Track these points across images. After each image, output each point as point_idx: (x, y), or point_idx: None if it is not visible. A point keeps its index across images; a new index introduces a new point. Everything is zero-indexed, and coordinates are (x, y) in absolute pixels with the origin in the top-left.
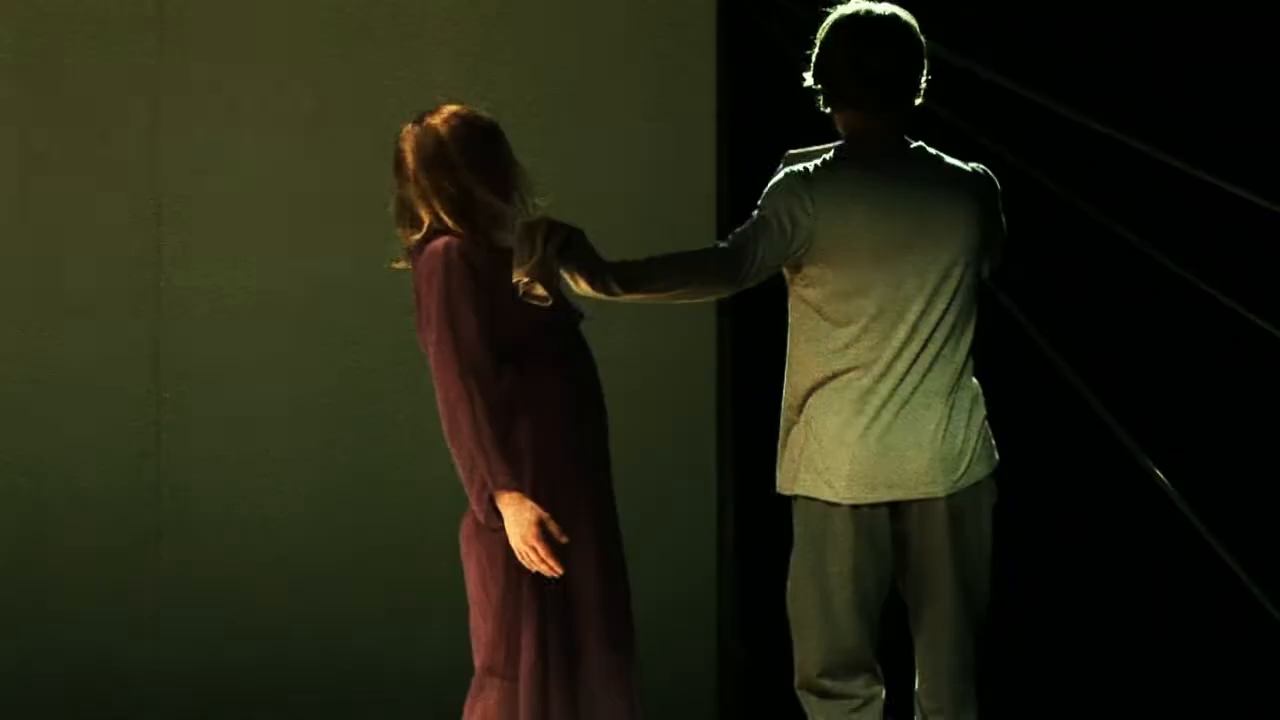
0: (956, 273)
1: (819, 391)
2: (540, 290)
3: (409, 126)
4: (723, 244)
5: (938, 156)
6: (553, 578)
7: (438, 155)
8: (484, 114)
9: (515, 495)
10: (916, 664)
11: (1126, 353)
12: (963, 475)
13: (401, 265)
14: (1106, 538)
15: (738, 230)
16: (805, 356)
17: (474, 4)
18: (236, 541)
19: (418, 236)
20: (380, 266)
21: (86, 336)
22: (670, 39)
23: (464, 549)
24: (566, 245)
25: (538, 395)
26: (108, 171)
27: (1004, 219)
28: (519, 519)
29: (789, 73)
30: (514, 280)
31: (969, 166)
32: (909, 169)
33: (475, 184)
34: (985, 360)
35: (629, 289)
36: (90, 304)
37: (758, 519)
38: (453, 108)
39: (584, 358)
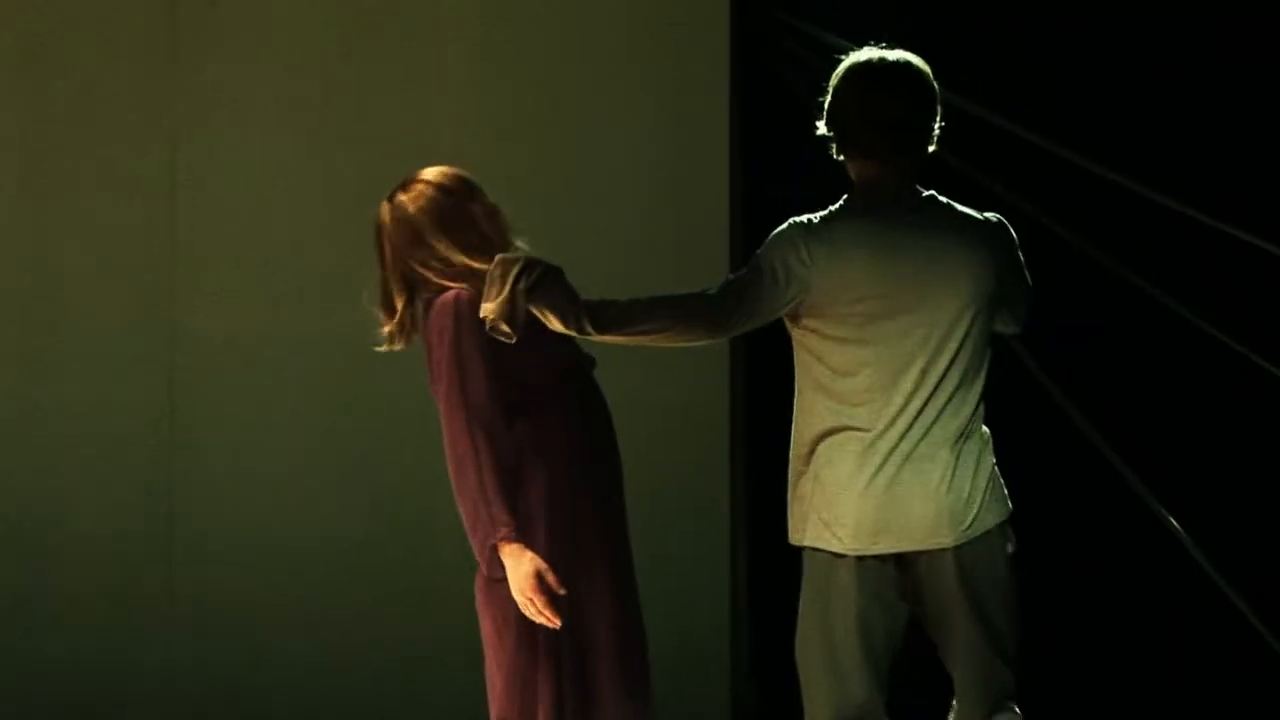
0: (965, 321)
1: (826, 442)
2: (505, 327)
3: (384, 204)
4: (711, 290)
5: (949, 205)
6: (567, 627)
7: (413, 237)
8: (453, 173)
9: (516, 547)
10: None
11: (1139, 399)
12: (971, 525)
13: (385, 349)
14: (1117, 582)
15: (732, 276)
16: (811, 406)
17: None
18: (249, 580)
19: (390, 327)
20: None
21: (98, 374)
22: (680, 43)
23: (479, 599)
24: (538, 284)
25: (551, 442)
26: (122, 192)
27: (1026, 272)
28: (518, 570)
29: (802, 115)
30: (480, 315)
31: (983, 215)
32: (919, 217)
33: (454, 251)
34: (995, 405)
35: (604, 330)
36: (101, 337)
37: (771, 563)
38: (424, 176)
39: (597, 402)
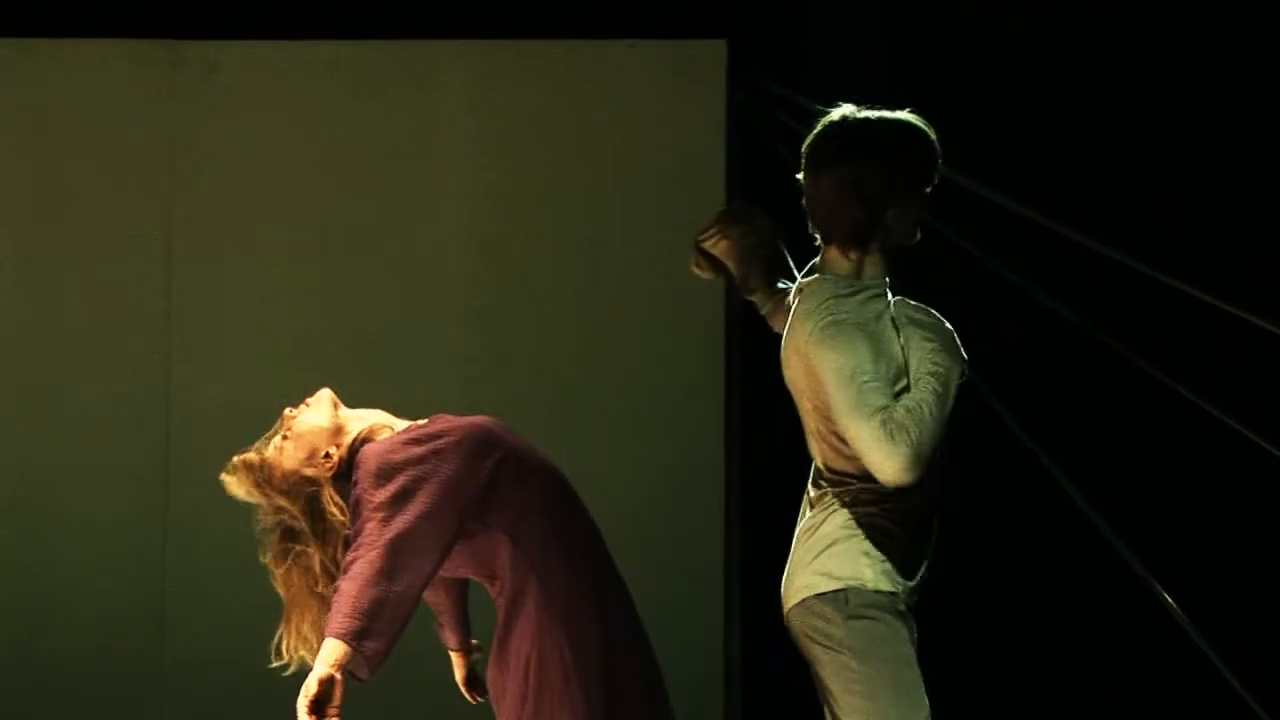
0: (806, 408)
1: None
2: (696, 270)
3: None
4: None
5: (818, 303)
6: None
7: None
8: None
9: (340, 645)
10: None
11: (1117, 459)
12: (793, 589)
13: (279, 664)
14: (1097, 648)
15: None
16: None
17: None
18: (244, 651)
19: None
20: (392, 383)
21: (93, 441)
22: (676, 110)
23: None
24: (713, 237)
25: (529, 521)
26: (117, 257)
27: (838, 393)
28: (320, 666)
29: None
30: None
31: (812, 322)
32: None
33: (308, 463)
34: (977, 465)
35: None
36: (96, 403)
37: (766, 623)
38: (235, 463)
39: (551, 468)
